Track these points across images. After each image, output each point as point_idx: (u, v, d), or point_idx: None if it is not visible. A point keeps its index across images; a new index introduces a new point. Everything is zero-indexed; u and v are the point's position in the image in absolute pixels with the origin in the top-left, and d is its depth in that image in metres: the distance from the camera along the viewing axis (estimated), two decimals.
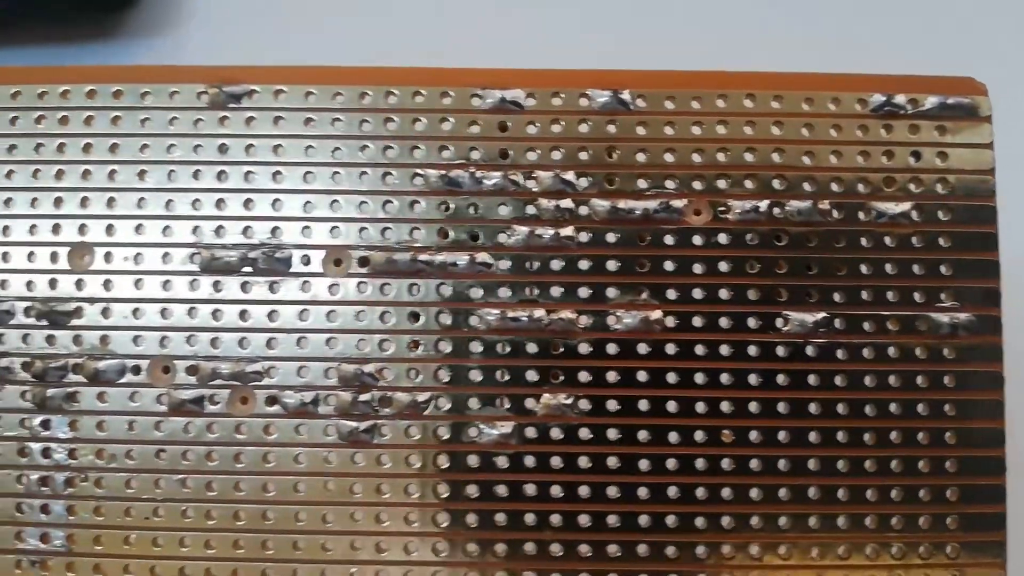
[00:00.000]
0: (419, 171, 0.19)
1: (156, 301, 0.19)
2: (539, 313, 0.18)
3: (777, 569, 0.18)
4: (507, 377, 0.18)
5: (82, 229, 0.19)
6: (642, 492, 0.18)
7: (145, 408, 0.18)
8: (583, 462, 0.18)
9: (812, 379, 0.18)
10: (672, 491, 0.18)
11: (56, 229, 0.19)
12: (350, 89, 0.19)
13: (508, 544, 0.18)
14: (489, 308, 0.18)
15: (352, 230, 0.19)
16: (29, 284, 0.19)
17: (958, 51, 0.22)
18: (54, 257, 0.19)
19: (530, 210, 0.19)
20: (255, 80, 0.19)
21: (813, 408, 0.18)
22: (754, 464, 0.18)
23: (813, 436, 0.18)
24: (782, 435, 0.18)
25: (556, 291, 0.18)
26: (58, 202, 0.19)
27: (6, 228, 0.19)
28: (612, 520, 0.18)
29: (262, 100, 0.19)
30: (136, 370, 0.18)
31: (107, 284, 0.19)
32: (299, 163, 0.19)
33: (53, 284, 0.19)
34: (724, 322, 0.18)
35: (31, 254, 0.19)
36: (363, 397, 0.18)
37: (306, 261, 0.19)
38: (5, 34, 0.27)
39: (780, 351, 0.18)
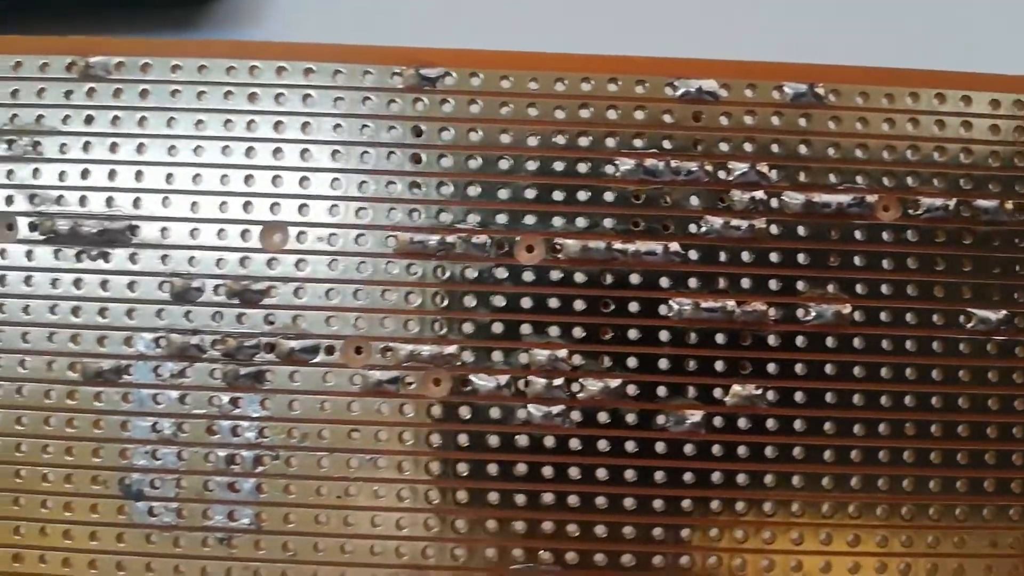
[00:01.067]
0: (613, 159, 0.19)
1: (350, 282, 0.19)
2: (730, 304, 0.19)
3: (951, 557, 0.19)
4: (695, 367, 0.19)
5: (273, 208, 0.19)
6: (826, 482, 0.18)
7: (339, 388, 0.18)
8: (769, 452, 0.18)
9: (991, 375, 0.19)
10: (855, 481, 0.18)
11: (247, 207, 0.19)
12: (545, 75, 0.19)
13: (692, 529, 0.18)
14: (682, 298, 0.19)
15: (544, 216, 0.19)
16: (219, 262, 0.19)
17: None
18: (245, 235, 0.19)
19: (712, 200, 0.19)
20: (450, 63, 0.19)
21: (992, 404, 0.19)
22: (934, 456, 0.19)
23: (990, 431, 0.19)
24: (961, 428, 0.19)
25: (746, 283, 0.19)
26: (248, 180, 0.19)
27: (195, 204, 0.19)
28: (795, 508, 0.18)
29: (457, 84, 0.19)
30: (330, 350, 0.18)
31: (299, 264, 0.19)
32: (492, 148, 0.19)
33: (244, 262, 0.19)
34: (910, 318, 0.19)
35: (221, 231, 0.19)
36: (556, 382, 0.18)
37: (501, 247, 0.19)
38: (85, 26, 0.27)
39: (963, 348, 0.19)
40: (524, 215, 0.19)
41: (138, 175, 0.19)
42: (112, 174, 0.19)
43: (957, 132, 0.19)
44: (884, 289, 0.19)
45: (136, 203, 0.19)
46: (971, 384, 0.19)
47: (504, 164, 0.19)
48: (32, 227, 0.19)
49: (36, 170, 0.19)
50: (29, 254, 0.19)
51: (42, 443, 0.19)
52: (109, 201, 0.19)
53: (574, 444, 0.18)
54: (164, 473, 0.18)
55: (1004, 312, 0.19)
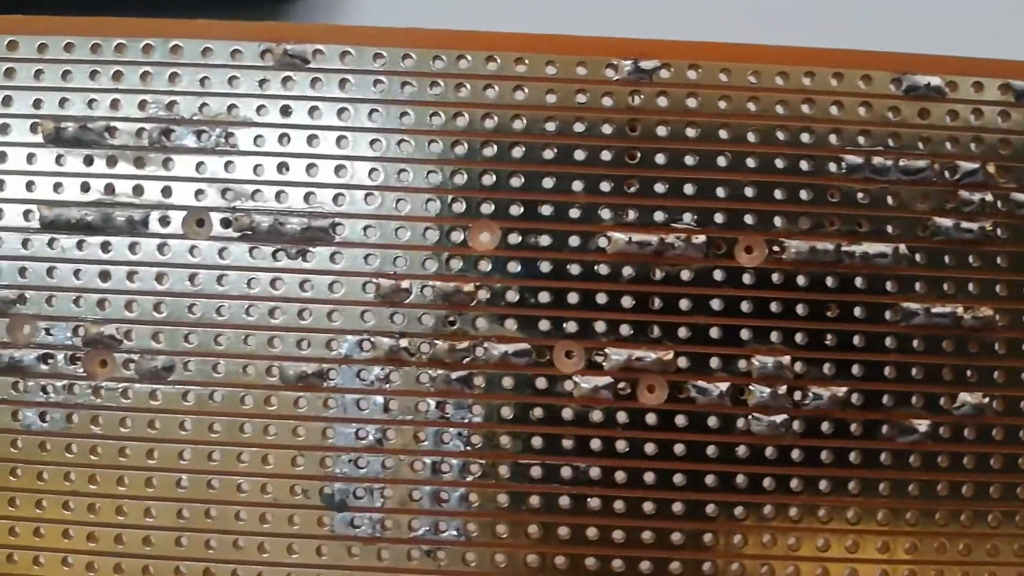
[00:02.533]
0: (839, 157, 0.18)
1: (560, 284, 0.18)
2: (959, 310, 0.18)
3: None
4: (921, 374, 0.18)
5: (481, 206, 0.18)
6: None
7: (551, 393, 0.18)
8: (996, 462, 0.18)
9: None
10: None
11: (452, 204, 0.18)
12: (767, 68, 0.18)
13: (916, 542, 0.18)
14: (911, 302, 0.18)
15: (765, 217, 0.18)
16: (424, 263, 0.18)
17: None
18: (451, 234, 0.18)
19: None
20: (669, 55, 0.18)
21: None
22: None
23: None
24: None
25: (972, 287, 0.18)
26: (455, 175, 0.18)
27: (400, 202, 0.18)
28: (1017, 519, 0.18)
29: (674, 77, 0.18)
30: (541, 354, 0.18)
31: (508, 264, 0.18)
32: (711, 144, 0.18)
33: (450, 263, 0.18)
34: None
35: (427, 230, 0.18)
36: (780, 390, 0.18)
37: (719, 247, 0.18)
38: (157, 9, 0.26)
39: None
40: (744, 214, 0.18)
41: (339, 170, 0.18)
42: (311, 168, 0.18)
43: None
44: None
45: (337, 199, 0.18)
46: None
47: (722, 161, 0.18)
48: (225, 223, 0.18)
49: (229, 163, 0.18)
50: (222, 252, 0.18)
51: (236, 451, 0.18)
52: (308, 197, 0.18)
53: (795, 455, 0.18)
54: (368, 482, 0.18)
55: None
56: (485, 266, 0.18)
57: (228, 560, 0.18)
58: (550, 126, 0.18)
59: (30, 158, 0.18)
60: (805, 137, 0.18)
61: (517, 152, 0.18)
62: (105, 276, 0.18)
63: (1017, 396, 0.18)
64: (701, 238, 0.18)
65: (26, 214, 0.18)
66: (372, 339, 0.18)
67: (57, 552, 0.18)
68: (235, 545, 0.18)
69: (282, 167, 0.18)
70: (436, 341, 0.18)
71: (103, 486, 0.18)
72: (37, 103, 0.18)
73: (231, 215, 0.18)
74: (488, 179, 0.18)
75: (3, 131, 0.18)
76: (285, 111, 0.18)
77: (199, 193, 0.18)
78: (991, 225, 0.18)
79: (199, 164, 0.18)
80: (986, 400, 0.18)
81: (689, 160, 0.18)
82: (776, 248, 0.18)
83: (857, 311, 0.18)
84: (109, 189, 0.18)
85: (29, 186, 0.18)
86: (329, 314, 0.18)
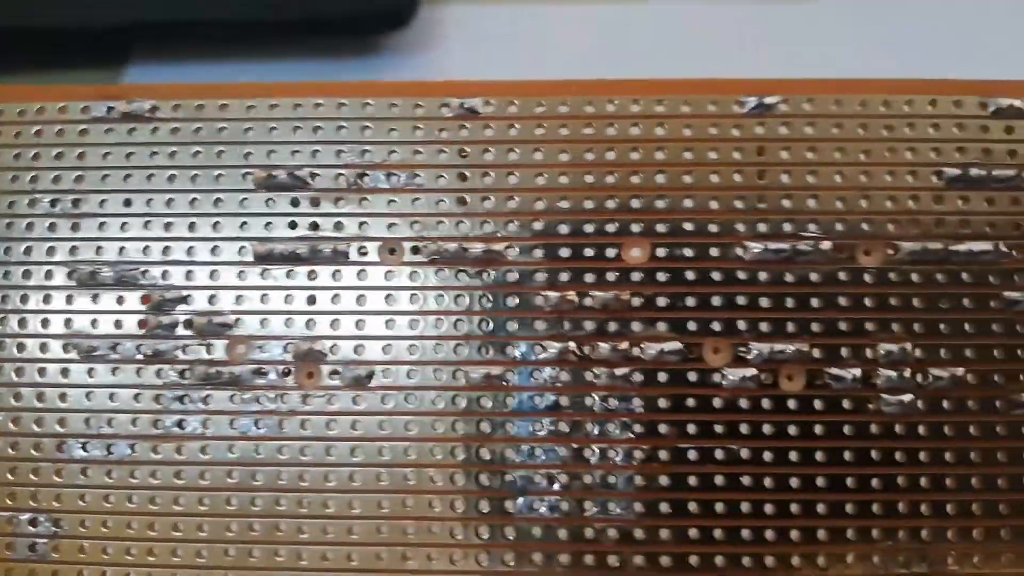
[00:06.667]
0: None
1: (704, 290, 0.20)
2: None
3: None
4: None
5: (630, 225, 0.21)
6: None
7: (705, 383, 0.20)
8: None
9: None
10: None
11: (605, 225, 0.21)
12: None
13: None
14: None
15: None
16: (584, 276, 0.21)
17: None
18: (605, 251, 0.21)
19: None
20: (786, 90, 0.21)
21: None
22: None
23: None
24: None
25: None
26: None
27: (561, 225, 0.21)
28: None
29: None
30: (691, 350, 0.20)
31: (655, 275, 0.20)
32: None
33: (604, 276, 0.21)
34: None
35: (584, 248, 0.21)
36: None
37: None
38: (264, 49, 0.29)
39: None
40: None
41: (508, 200, 0.21)
42: (485, 200, 0.21)
43: None
44: None
45: (507, 225, 0.21)
46: None
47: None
48: (415, 250, 0.21)
49: (415, 199, 0.21)
50: (412, 275, 0.21)
51: (430, 446, 0.20)
52: (483, 225, 0.21)
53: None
54: (545, 468, 0.20)
55: None
56: (637, 276, 0.21)
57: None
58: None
59: (242, 202, 0.21)
60: None
61: (660, 178, 0.21)
62: (312, 300, 0.21)
63: None
64: (827, 244, 0.20)
65: (239, 249, 0.21)
66: (544, 343, 0.20)
67: (268, 544, 0.20)
68: (429, 530, 0.20)
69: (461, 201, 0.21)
70: (599, 343, 0.20)
71: (312, 483, 0.20)
72: (247, 155, 0.21)
73: (420, 243, 0.21)
74: (636, 202, 0.21)
75: (217, 180, 0.21)
76: (462, 153, 0.21)
77: (391, 226, 0.21)
78: None
79: (390, 201, 0.21)
80: None
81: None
82: None
83: None
84: (314, 226, 0.21)
85: (242, 226, 0.21)
86: (504, 323, 0.20)
